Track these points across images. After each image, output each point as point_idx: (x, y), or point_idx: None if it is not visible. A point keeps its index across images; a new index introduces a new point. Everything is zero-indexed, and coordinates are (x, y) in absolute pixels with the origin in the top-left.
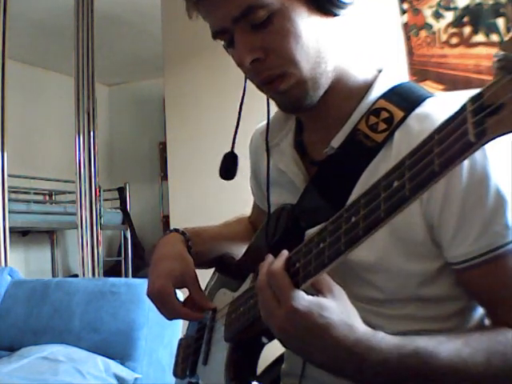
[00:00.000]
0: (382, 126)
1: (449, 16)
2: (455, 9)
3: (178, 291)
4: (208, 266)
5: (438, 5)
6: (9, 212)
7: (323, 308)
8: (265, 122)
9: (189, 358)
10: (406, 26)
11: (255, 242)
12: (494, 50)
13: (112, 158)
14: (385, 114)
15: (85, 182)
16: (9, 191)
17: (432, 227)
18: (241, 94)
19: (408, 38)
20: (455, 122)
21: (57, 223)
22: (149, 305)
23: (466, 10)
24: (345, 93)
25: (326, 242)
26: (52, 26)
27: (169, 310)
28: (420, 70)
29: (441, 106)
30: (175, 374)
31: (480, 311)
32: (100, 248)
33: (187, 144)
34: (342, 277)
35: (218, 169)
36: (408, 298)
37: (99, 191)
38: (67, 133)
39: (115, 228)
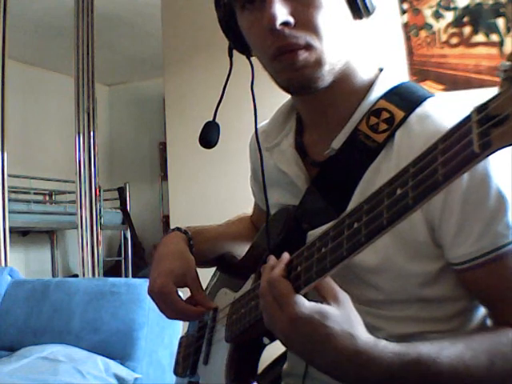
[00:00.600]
0: (383, 126)
1: (449, 16)
2: (455, 9)
3: (178, 291)
4: (210, 265)
5: (438, 5)
6: (9, 212)
7: (325, 316)
8: (265, 121)
9: (190, 357)
10: (406, 25)
11: (257, 241)
12: (494, 50)
13: (112, 158)
14: (385, 115)
15: (85, 181)
16: (9, 191)
17: (433, 227)
18: (241, 95)
19: (408, 38)
20: (460, 131)
21: (57, 223)
22: (149, 305)
23: (466, 9)
24: (347, 91)
25: (328, 247)
26: (52, 26)
27: (169, 308)
28: (420, 69)
29: (441, 106)
30: (176, 373)
31: (482, 311)
32: (100, 248)
33: (187, 144)
34: (342, 278)
35: (218, 169)
36: (409, 299)
37: (99, 191)
38: (67, 133)
39: (115, 228)
